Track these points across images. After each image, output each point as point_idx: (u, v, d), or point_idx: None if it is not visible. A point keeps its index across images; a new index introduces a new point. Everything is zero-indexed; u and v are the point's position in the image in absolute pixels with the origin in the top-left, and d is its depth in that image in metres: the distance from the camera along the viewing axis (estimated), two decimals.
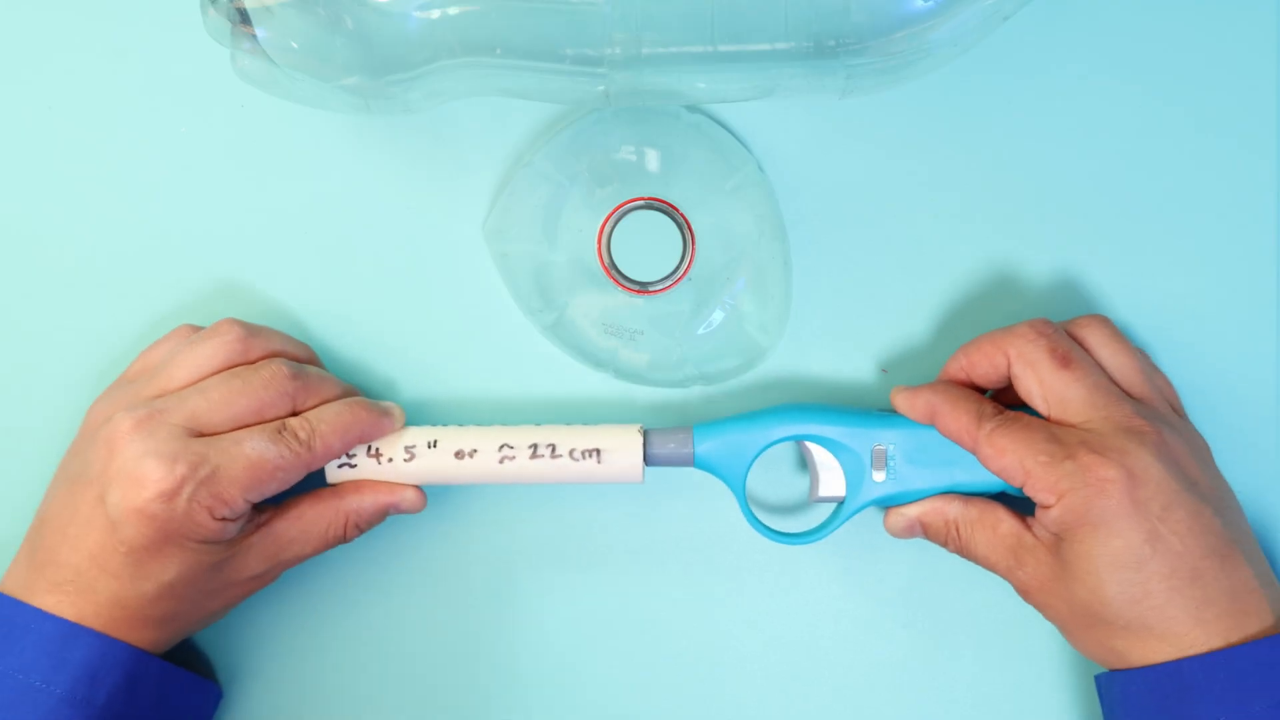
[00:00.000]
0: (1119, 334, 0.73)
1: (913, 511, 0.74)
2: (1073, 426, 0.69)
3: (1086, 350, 0.72)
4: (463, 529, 0.80)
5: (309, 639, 0.79)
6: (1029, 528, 0.70)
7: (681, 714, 0.80)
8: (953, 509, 0.73)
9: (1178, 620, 0.66)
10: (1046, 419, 0.71)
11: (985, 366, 0.73)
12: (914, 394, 0.73)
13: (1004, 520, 0.71)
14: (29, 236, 0.80)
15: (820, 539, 0.76)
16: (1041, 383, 0.70)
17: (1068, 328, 0.73)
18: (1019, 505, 0.75)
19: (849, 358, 0.80)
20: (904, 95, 0.79)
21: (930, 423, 0.73)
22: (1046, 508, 0.68)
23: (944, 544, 0.75)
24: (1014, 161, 0.80)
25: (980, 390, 0.75)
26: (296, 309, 0.80)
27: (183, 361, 0.72)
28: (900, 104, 0.79)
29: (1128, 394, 0.71)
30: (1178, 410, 0.74)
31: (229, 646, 0.79)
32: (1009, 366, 0.72)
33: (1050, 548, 0.69)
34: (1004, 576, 0.72)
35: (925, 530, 0.75)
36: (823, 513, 0.78)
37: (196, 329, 0.76)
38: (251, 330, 0.74)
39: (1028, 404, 0.72)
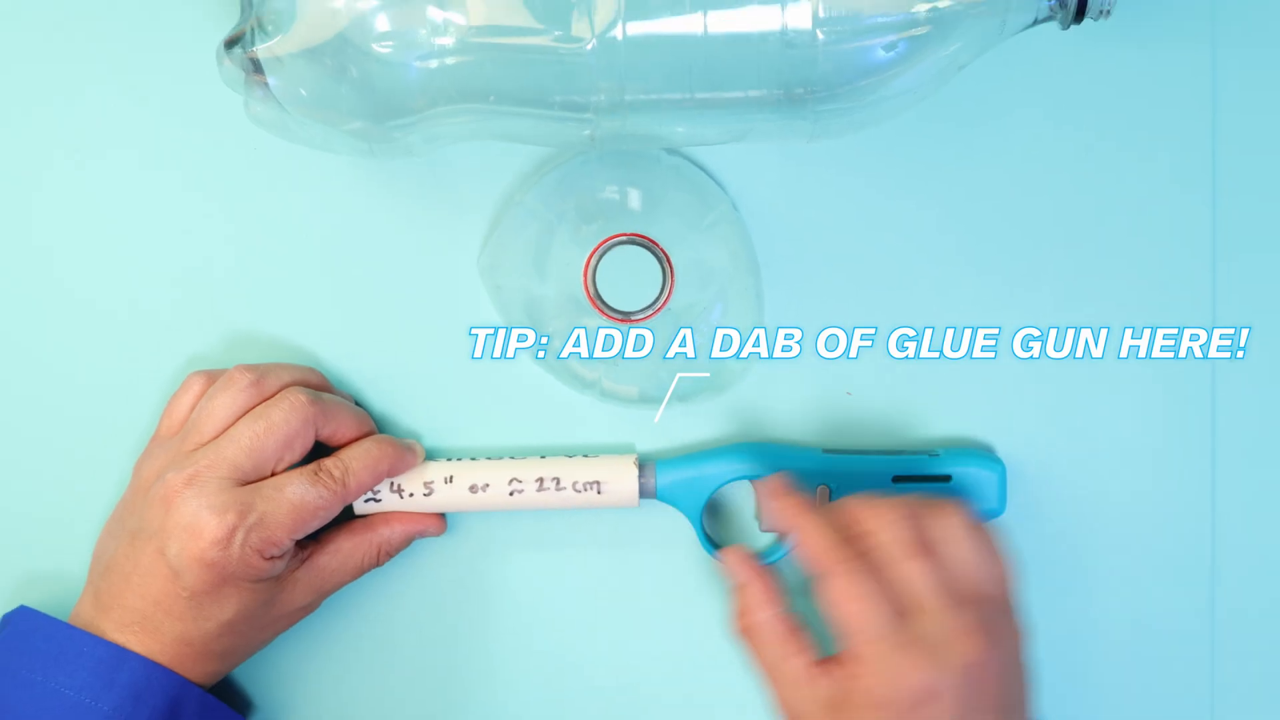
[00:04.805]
0: (970, 531, 0.72)
1: (743, 570, 0.74)
2: (912, 613, 0.69)
3: (937, 543, 0.71)
4: (471, 552, 0.81)
5: (330, 670, 0.81)
6: (821, 670, 0.70)
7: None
8: (764, 613, 0.73)
9: None
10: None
11: (844, 523, 0.72)
12: (776, 500, 0.74)
13: (801, 654, 0.71)
14: (54, 276, 0.80)
15: (768, 565, 0.76)
16: (892, 566, 0.70)
17: (924, 513, 0.72)
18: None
19: (816, 382, 0.81)
20: (868, 139, 0.79)
21: (785, 532, 0.75)
22: (852, 677, 0.68)
23: (734, 619, 0.74)
24: (969, 200, 0.80)
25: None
26: (306, 338, 0.81)
27: (208, 416, 0.74)
28: (865, 147, 0.80)
29: (970, 593, 0.70)
30: (1004, 601, 0.72)
31: (256, 678, 0.81)
32: (867, 536, 0.71)
33: (826, 700, 0.70)
34: (767, 688, 0.73)
35: (734, 593, 0.74)
36: (770, 542, 0.81)
37: (207, 375, 0.77)
38: (261, 371, 0.76)
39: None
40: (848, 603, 0.69)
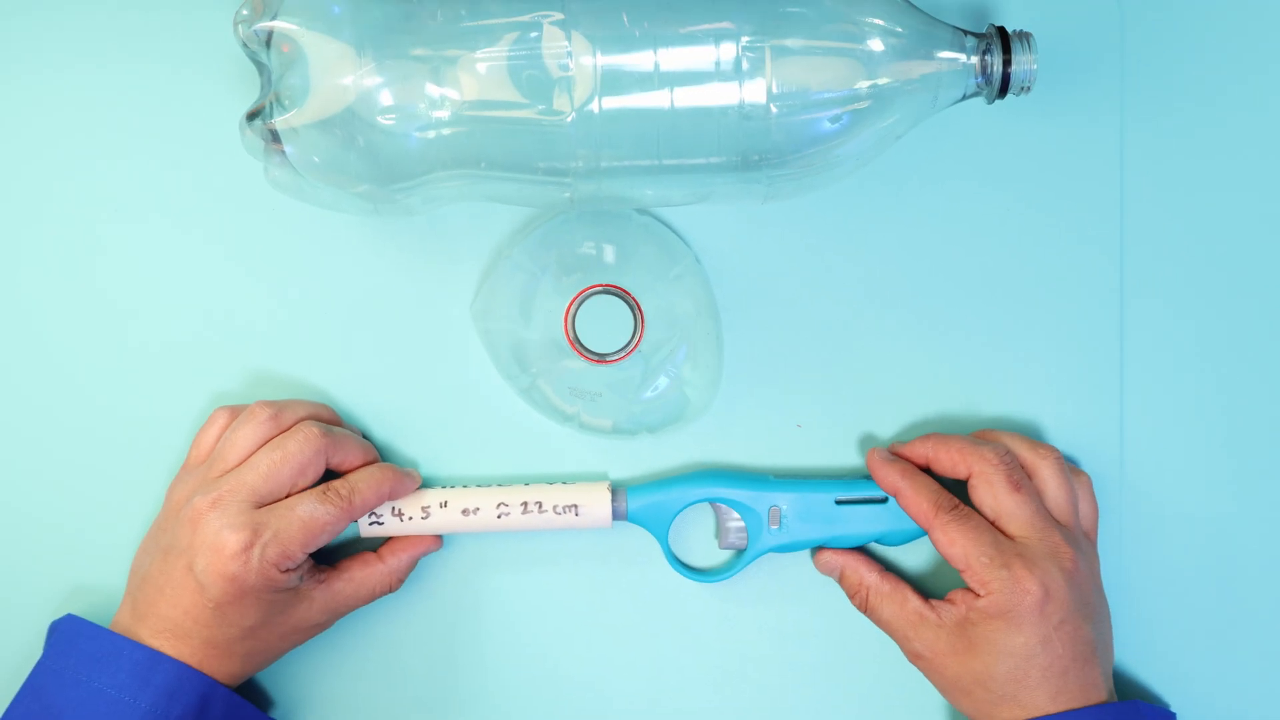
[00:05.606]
0: (1063, 470, 0.78)
1: (838, 560, 0.80)
2: (1011, 538, 0.76)
3: (1033, 478, 0.78)
4: (464, 568, 0.83)
5: (341, 670, 0.83)
6: (933, 609, 0.77)
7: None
8: (870, 577, 0.80)
9: (1039, 698, 0.75)
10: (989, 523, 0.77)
11: (946, 465, 0.79)
12: (884, 468, 0.79)
13: (911, 599, 0.78)
14: (99, 322, 0.82)
15: (727, 579, 0.82)
16: (995, 499, 0.77)
17: (1023, 452, 0.79)
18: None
19: (770, 415, 0.83)
20: (815, 200, 0.82)
21: (892, 495, 0.79)
22: (975, 595, 0.75)
23: (851, 598, 0.81)
24: (903, 254, 0.83)
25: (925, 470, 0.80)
26: (319, 377, 0.82)
27: (231, 446, 0.77)
28: (812, 208, 0.82)
29: (1057, 520, 0.78)
30: (1091, 535, 0.80)
31: (275, 678, 0.83)
32: (969, 476, 0.78)
33: (951, 627, 0.76)
34: (897, 641, 0.79)
35: (841, 580, 0.81)
36: (728, 558, 0.83)
37: (231, 410, 0.80)
38: (279, 406, 0.78)
39: (976, 508, 0.78)
40: (959, 541, 0.76)
